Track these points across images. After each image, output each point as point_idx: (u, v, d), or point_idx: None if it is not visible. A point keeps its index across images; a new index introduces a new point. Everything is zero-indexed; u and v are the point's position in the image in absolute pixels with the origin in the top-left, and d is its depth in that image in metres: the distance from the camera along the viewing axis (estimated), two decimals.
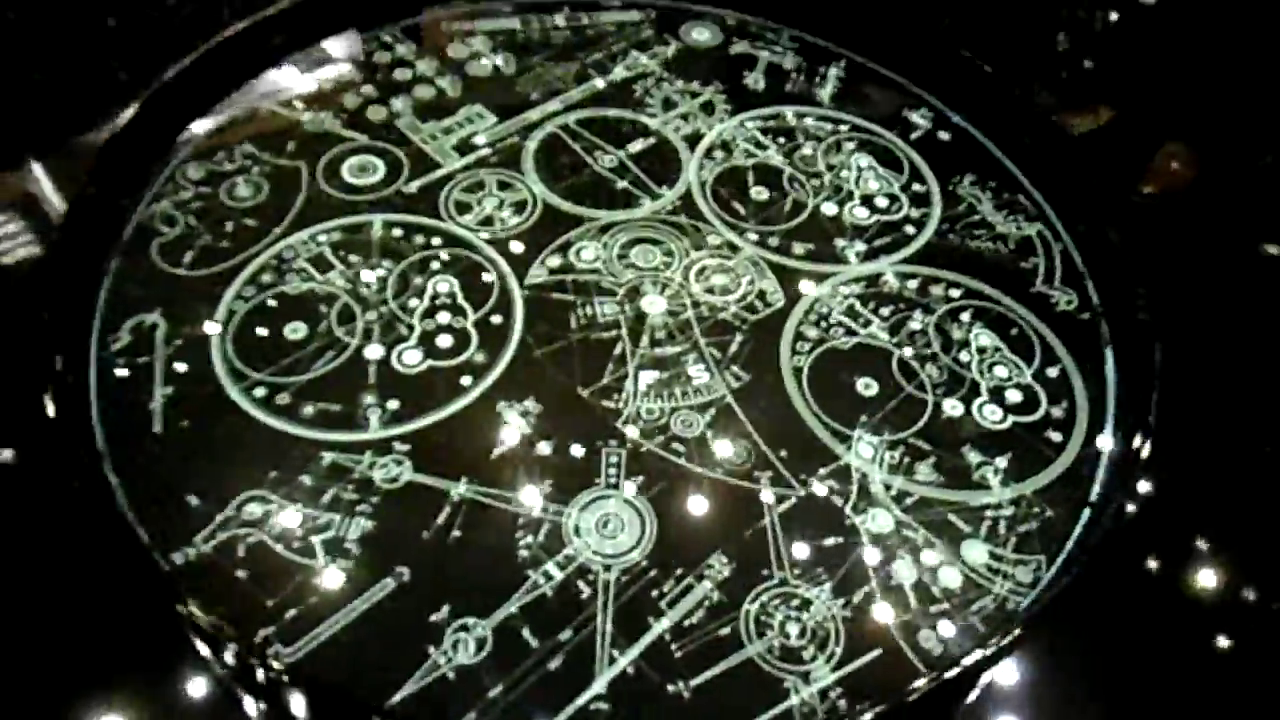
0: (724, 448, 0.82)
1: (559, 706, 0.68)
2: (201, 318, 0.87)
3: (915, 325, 0.93)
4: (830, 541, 0.77)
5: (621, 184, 1.05)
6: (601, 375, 0.87)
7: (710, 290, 0.95)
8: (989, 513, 0.80)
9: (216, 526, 0.74)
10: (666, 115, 1.13)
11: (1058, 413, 0.87)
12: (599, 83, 1.17)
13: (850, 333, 0.92)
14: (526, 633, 0.71)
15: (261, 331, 0.87)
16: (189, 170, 1.00)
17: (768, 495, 0.80)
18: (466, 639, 0.70)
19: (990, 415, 0.87)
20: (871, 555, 0.77)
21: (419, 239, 0.96)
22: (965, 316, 0.95)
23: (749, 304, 0.94)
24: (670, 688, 0.69)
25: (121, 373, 0.83)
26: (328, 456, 0.79)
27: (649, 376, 0.87)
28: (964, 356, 0.91)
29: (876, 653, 0.72)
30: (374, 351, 0.87)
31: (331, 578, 0.72)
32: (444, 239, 0.97)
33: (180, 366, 0.84)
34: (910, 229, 1.03)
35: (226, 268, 0.92)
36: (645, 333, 0.91)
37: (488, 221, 0.99)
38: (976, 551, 0.77)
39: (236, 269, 0.92)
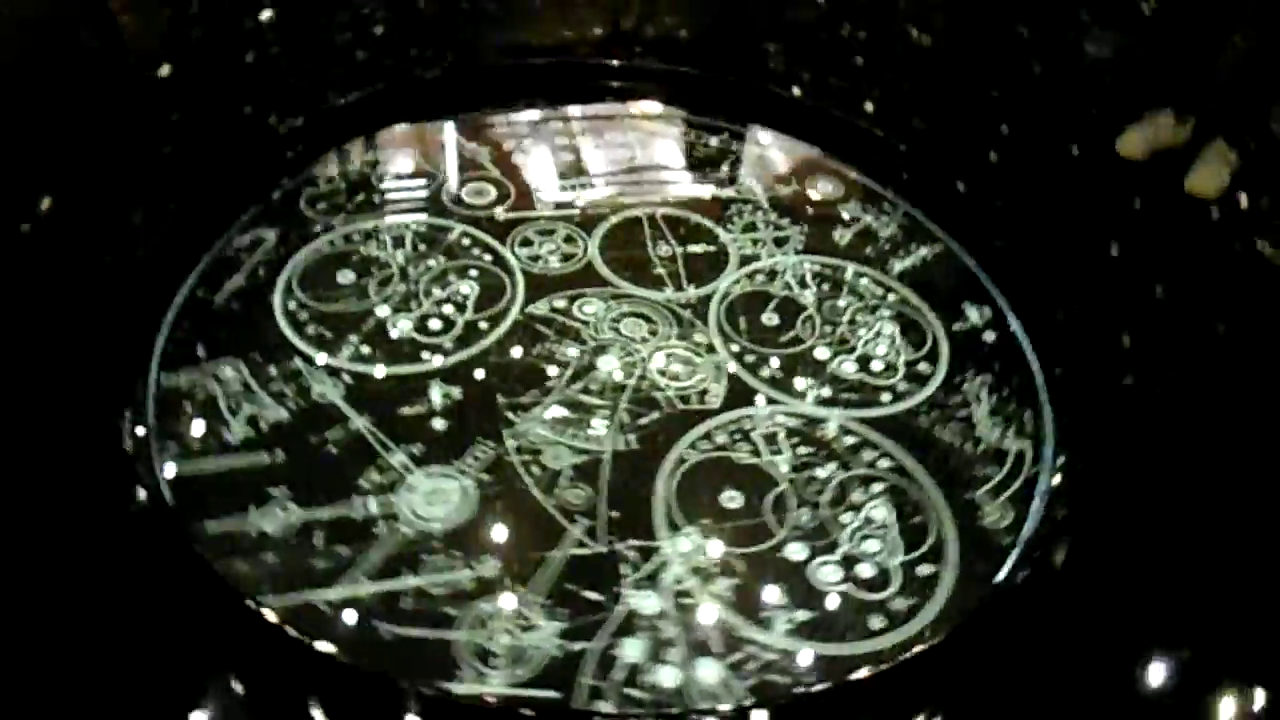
0: (570, 487, 0.90)
1: None
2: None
3: (821, 473, 0.94)
4: (595, 596, 0.81)
5: (659, 270, 1.18)
6: (524, 394, 1.00)
7: (663, 372, 1.04)
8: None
9: None
10: (741, 235, 1.24)
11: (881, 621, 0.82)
12: (705, 190, 1.32)
13: (755, 453, 0.95)
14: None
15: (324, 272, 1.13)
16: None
17: (573, 534, 0.86)
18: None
19: (823, 576, 0.85)
20: (618, 623, 0.79)
21: (476, 251, 1.18)
22: (877, 487, 0.93)
23: (685, 395, 1.01)
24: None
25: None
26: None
27: (558, 411, 0.98)
28: (846, 518, 0.90)
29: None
30: (382, 310, 1.08)
31: None
32: (493, 258, 1.17)
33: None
34: (887, 397, 1.03)
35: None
36: (583, 380, 1.02)
37: (536, 258, 1.18)
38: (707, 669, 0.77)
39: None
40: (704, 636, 0.79)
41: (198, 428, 0.92)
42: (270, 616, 0.75)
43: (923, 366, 1.07)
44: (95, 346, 0.94)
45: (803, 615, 0.82)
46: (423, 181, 1.28)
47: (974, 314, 1.15)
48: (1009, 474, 0.96)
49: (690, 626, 0.80)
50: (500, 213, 1.24)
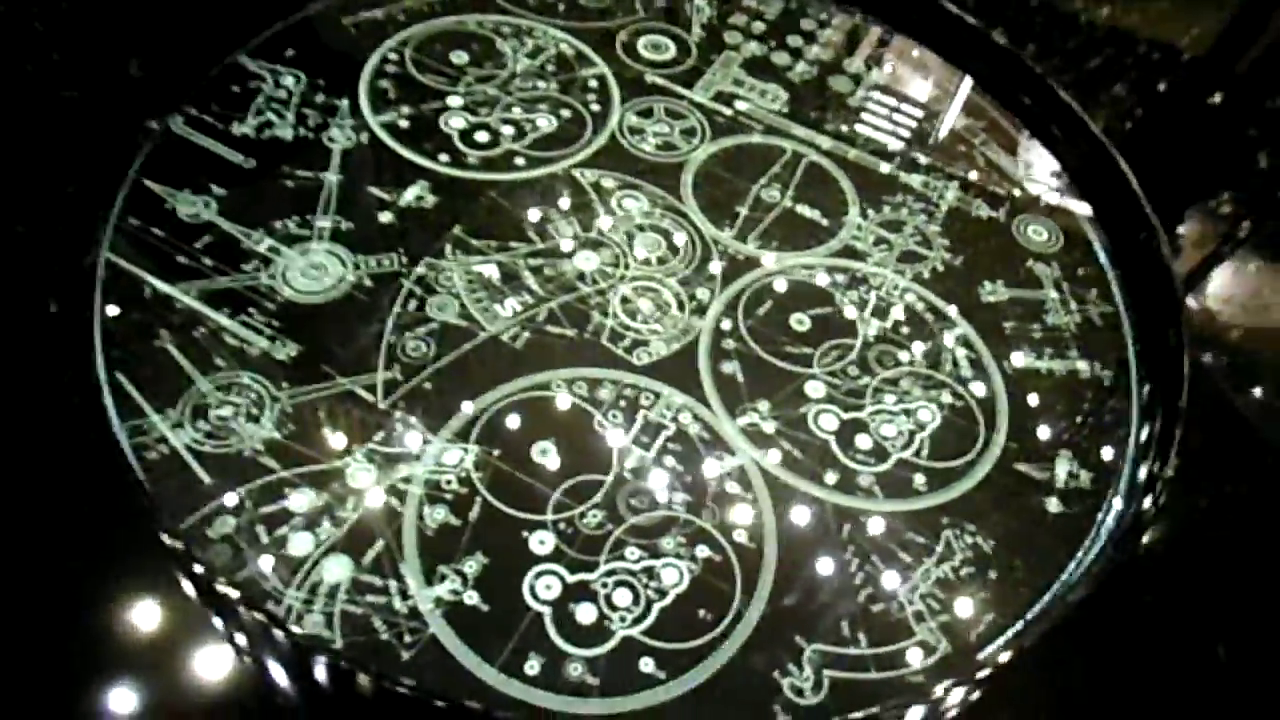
0: (411, 338, 0.81)
1: None
2: None
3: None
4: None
5: (742, 208, 0.96)
6: (482, 237, 0.89)
7: (624, 300, 0.86)
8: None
9: None
10: (864, 221, 0.97)
11: None
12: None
13: (601, 426, 0.77)
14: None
15: None
16: None
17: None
18: None
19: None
20: None
21: (592, 97, 1.05)
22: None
23: (619, 336, 0.84)
24: None
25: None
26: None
27: (492, 270, 0.87)
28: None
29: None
30: (453, 100, 1.02)
31: None
32: (595, 111, 1.04)
33: None
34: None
35: None
36: (544, 259, 0.89)
37: (636, 131, 1.02)
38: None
39: None
40: None
41: None
42: None
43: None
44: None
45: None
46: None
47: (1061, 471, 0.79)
48: None
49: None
50: (652, 75, 1.09)
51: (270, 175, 0.91)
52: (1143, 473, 0.80)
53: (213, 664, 0.68)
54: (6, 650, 0.68)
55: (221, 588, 0.65)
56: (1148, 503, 0.76)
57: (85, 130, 0.94)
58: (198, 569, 0.66)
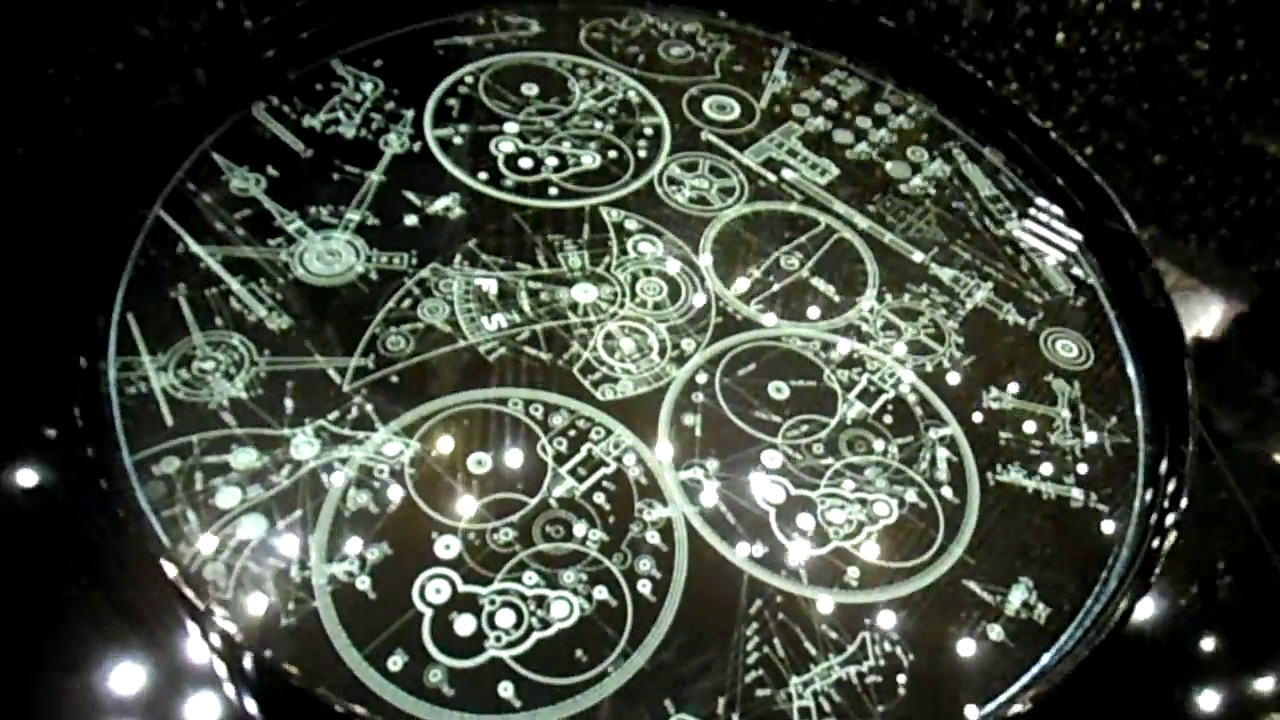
0: (390, 336, 0.84)
1: None
2: None
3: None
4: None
5: (756, 270, 0.95)
6: (493, 253, 0.93)
7: (608, 336, 0.87)
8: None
9: None
10: (875, 316, 0.93)
11: None
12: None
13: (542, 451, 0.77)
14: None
15: None
16: None
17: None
18: None
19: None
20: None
21: (643, 142, 1.08)
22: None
23: (589, 369, 0.84)
24: None
25: None
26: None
27: (490, 285, 0.90)
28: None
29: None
30: (510, 127, 1.07)
31: None
32: (639, 154, 1.06)
33: None
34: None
35: None
36: (545, 284, 0.91)
37: (678, 184, 1.04)
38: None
39: None
40: None
41: None
42: None
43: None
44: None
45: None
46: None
47: None
48: None
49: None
50: (708, 131, 1.11)
51: (322, 166, 0.98)
52: (1105, 623, 0.72)
53: (110, 581, 0.71)
54: None
55: (150, 521, 0.69)
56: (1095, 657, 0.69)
57: (182, 102, 1.05)
58: (140, 499, 0.71)
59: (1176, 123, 1.43)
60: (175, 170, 0.95)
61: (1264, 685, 0.81)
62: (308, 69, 1.09)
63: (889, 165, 1.11)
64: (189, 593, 0.64)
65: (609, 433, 0.80)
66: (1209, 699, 0.78)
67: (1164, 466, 0.84)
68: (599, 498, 0.76)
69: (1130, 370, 0.93)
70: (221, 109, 1.01)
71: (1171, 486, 0.81)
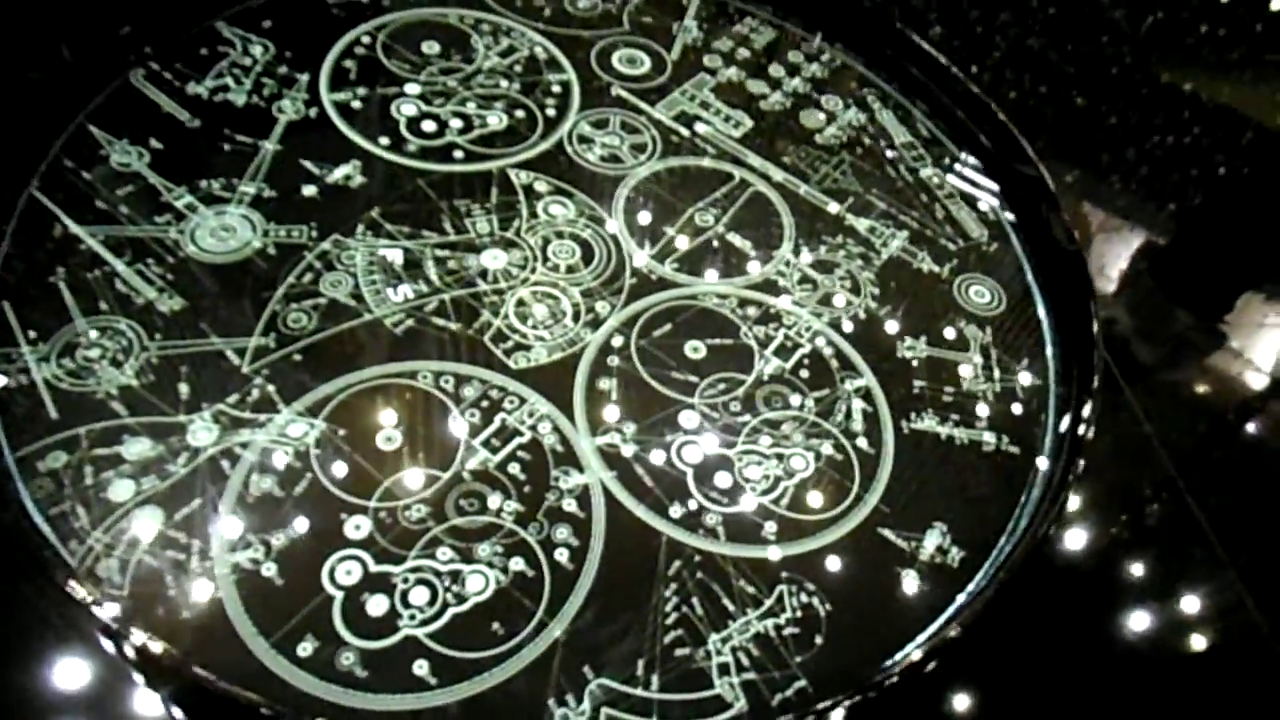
0: (292, 312, 0.81)
1: None
2: None
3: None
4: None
5: (670, 229, 0.94)
6: (400, 224, 0.90)
7: (520, 303, 0.85)
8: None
9: None
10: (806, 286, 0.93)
11: None
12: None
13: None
14: None
15: None
16: None
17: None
18: None
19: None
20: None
21: (551, 101, 1.05)
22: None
23: (501, 337, 0.82)
24: None
25: None
26: None
27: (396, 255, 0.87)
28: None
29: None
30: (411, 88, 1.03)
31: None
32: (546, 116, 1.03)
33: None
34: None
35: None
36: (453, 250, 0.88)
37: (584, 144, 1.01)
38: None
39: None
40: None
41: None
42: None
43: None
44: None
45: None
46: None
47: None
48: None
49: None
50: (618, 87, 1.08)
51: (211, 137, 0.93)
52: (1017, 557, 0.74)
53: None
54: None
55: (36, 520, 0.66)
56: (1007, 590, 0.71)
57: (48, 67, 0.98)
58: (25, 498, 0.67)
59: (1098, 63, 1.45)
60: (50, 147, 0.89)
61: (1176, 611, 0.84)
62: (192, 32, 1.03)
63: (803, 115, 1.10)
64: (81, 592, 0.62)
65: (523, 401, 0.78)
66: (1123, 627, 0.81)
67: (1072, 406, 0.86)
68: (514, 468, 0.74)
69: (1041, 313, 0.95)
70: (97, 78, 0.95)
71: (1081, 426, 0.83)
